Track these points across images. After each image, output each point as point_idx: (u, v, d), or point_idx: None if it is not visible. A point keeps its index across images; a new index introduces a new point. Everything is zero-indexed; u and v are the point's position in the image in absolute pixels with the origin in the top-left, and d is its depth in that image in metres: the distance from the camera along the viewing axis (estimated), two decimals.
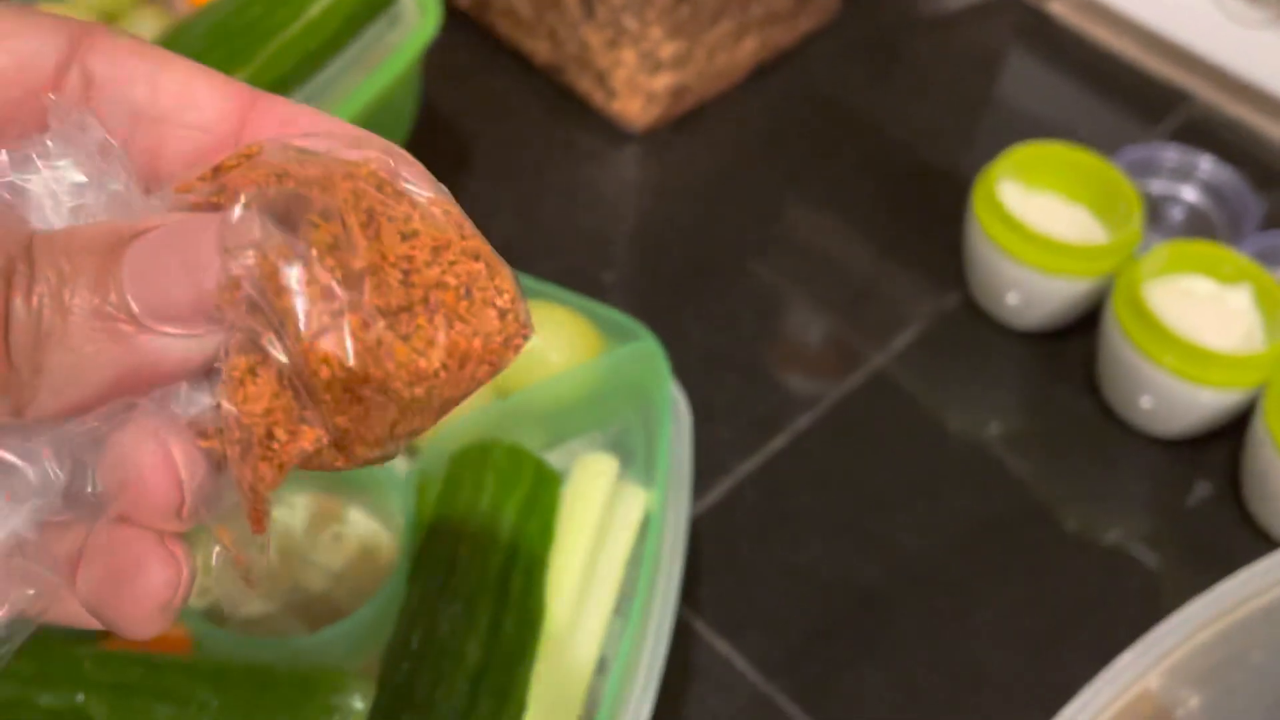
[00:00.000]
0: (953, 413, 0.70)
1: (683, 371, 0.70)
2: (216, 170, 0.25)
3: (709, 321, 0.73)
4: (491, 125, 0.83)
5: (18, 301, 0.22)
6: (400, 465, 0.54)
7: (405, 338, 0.24)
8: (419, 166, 0.27)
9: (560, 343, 0.52)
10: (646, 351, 0.52)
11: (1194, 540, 0.66)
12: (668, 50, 0.78)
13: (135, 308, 0.23)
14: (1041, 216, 0.71)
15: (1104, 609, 0.63)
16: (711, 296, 0.75)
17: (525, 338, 0.26)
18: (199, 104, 0.27)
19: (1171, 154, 0.78)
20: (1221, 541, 0.66)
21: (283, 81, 0.64)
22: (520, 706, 0.43)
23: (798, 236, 0.79)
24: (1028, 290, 0.70)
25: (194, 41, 0.63)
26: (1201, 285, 0.68)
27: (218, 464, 0.24)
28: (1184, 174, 0.78)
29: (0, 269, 0.22)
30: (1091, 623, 0.63)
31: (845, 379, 0.72)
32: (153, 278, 0.23)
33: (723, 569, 0.63)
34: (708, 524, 0.65)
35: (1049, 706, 0.59)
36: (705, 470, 0.66)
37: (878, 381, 0.72)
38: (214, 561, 0.25)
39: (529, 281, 0.54)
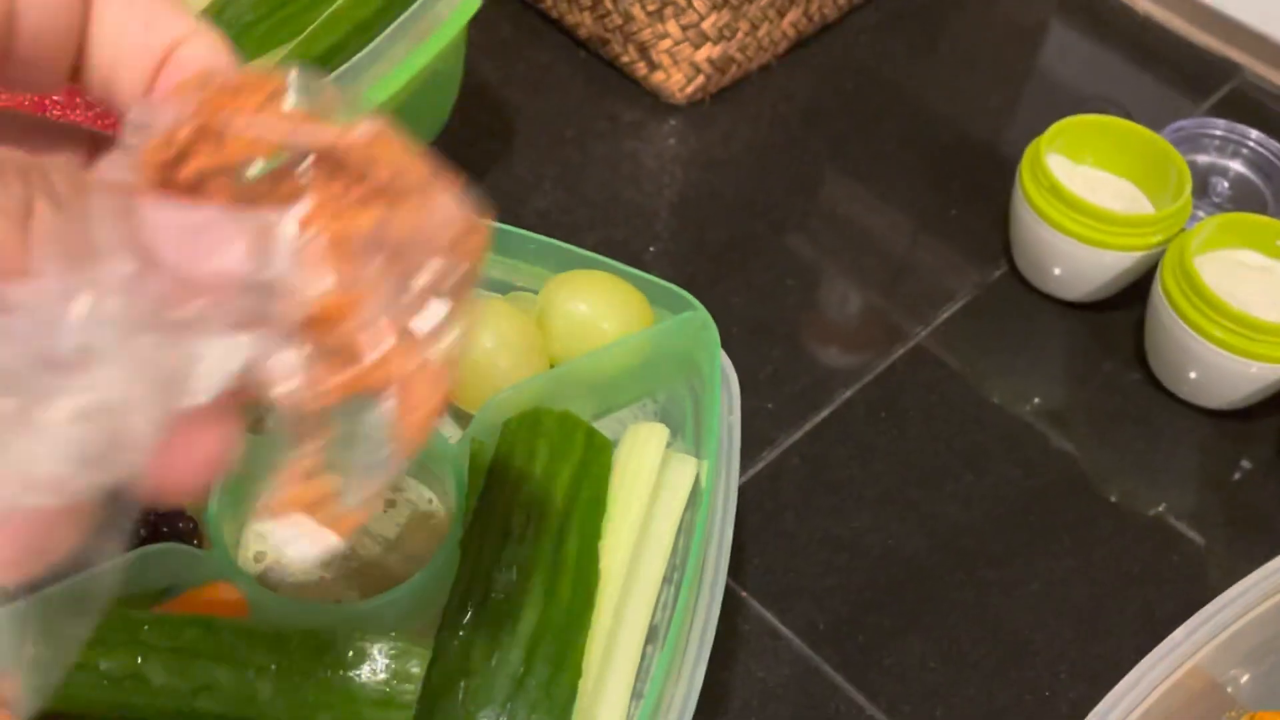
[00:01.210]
0: (997, 385, 0.70)
1: (726, 343, 0.70)
2: (175, 142, 0.25)
3: (751, 294, 0.73)
4: (535, 98, 0.83)
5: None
6: (452, 433, 0.54)
7: None
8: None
9: (611, 312, 0.52)
10: (697, 322, 0.52)
11: (1240, 514, 0.66)
12: (711, 23, 0.78)
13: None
14: (1088, 189, 0.71)
15: (1150, 582, 0.63)
16: (754, 269, 0.75)
17: None
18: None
19: (1219, 127, 0.77)
20: (1268, 515, 0.66)
21: (331, 51, 0.64)
22: (576, 673, 0.43)
23: (840, 209, 0.78)
24: (1074, 263, 0.70)
25: (242, 12, 0.63)
26: (1251, 258, 0.68)
27: None
28: (1232, 147, 0.77)
29: (19, 167, 0.23)
30: (1137, 595, 0.62)
31: (889, 351, 0.71)
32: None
33: (768, 539, 0.63)
34: (752, 495, 0.65)
35: (1094, 678, 0.59)
36: (749, 442, 0.66)
37: (921, 354, 0.71)
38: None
39: (577, 252, 0.54)
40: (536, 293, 0.55)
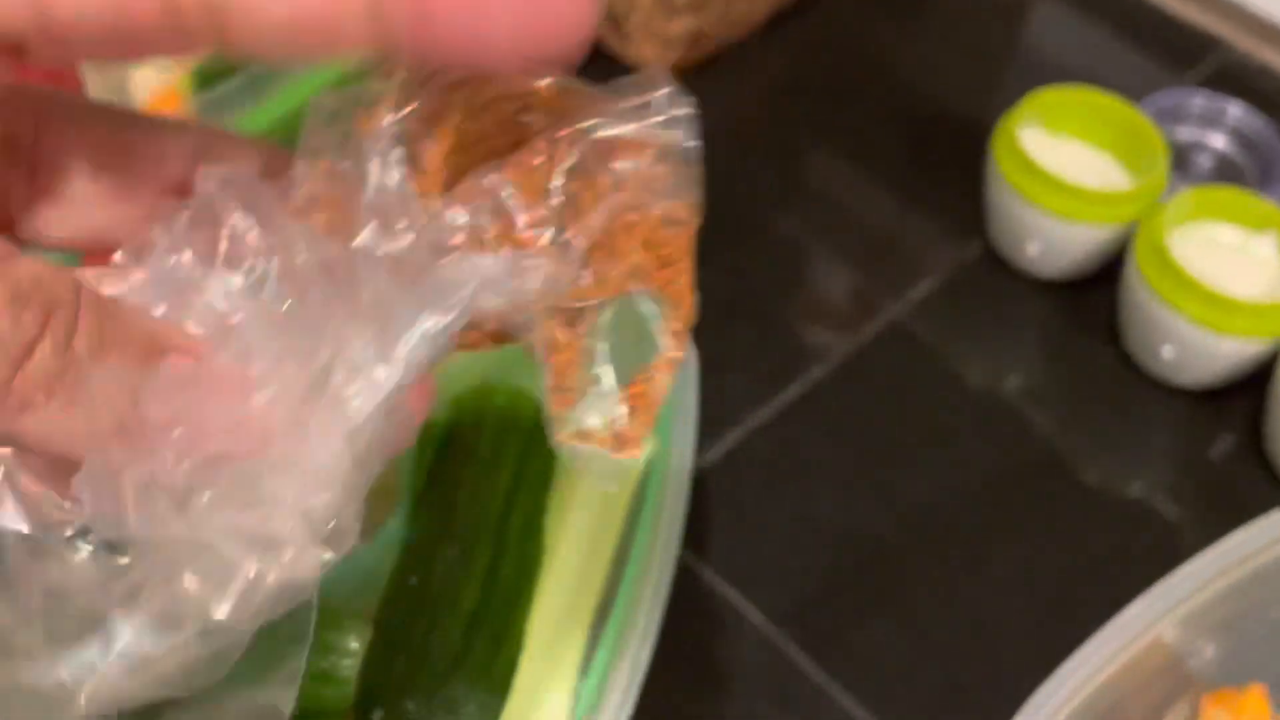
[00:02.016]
0: (971, 363, 0.69)
1: (697, 320, 0.70)
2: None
3: (724, 271, 0.72)
4: None
5: (46, 344, 0.23)
6: None
7: None
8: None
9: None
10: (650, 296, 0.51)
11: (1215, 492, 0.65)
12: None
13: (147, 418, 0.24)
14: (1064, 163, 0.70)
15: (1122, 561, 0.62)
16: (727, 246, 0.74)
17: None
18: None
19: (1199, 100, 0.76)
20: (1243, 493, 0.65)
21: None
22: (516, 649, 0.43)
23: (816, 185, 0.78)
24: (1049, 238, 0.69)
25: None
26: (1227, 233, 0.67)
27: None
28: (1212, 121, 0.76)
29: (43, 302, 0.23)
30: (1109, 575, 0.62)
31: (862, 329, 0.71)
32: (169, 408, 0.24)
33: (733, 519, 0.63)
34: (718, 474, 0.64)
35: (1061, 657, 0.58)
36: (717, 420, 0.66)
37: (895, 331, 0.71)
38: None
39: None
40: None
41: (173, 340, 0.25)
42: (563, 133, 0.26)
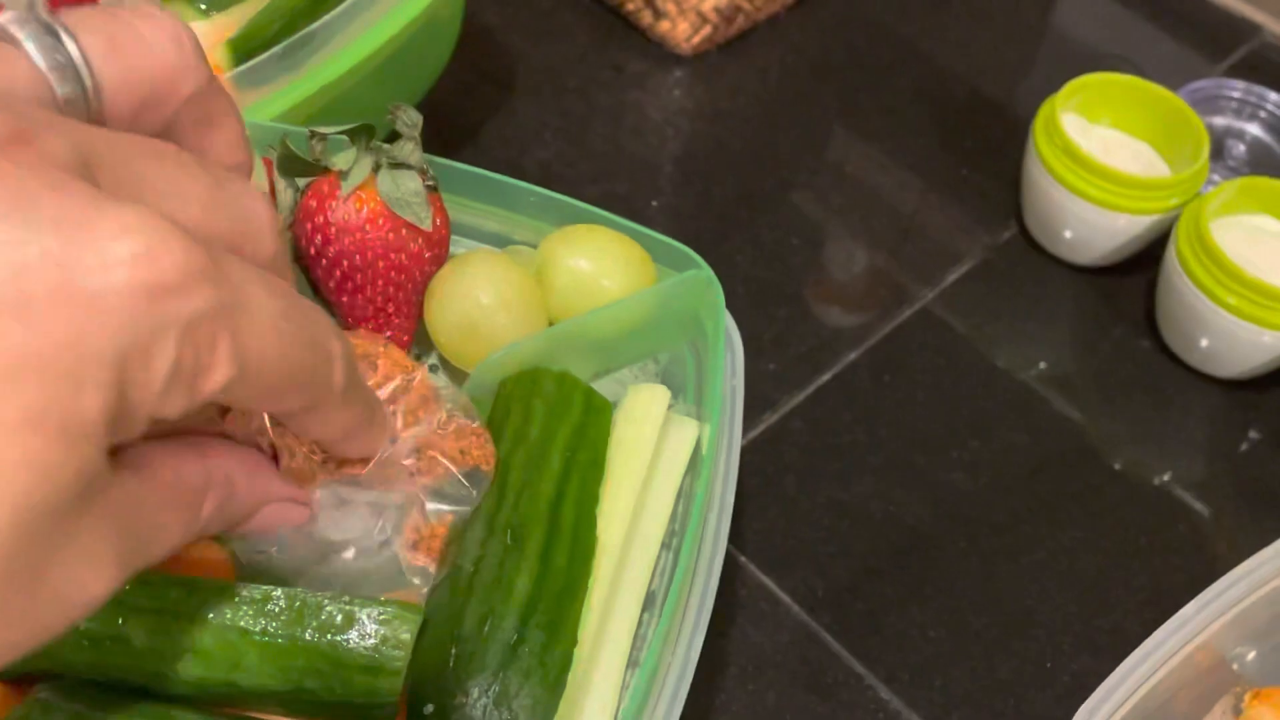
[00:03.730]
0: (1005, 350, 0.69)
1: (730, 302, 0.68)
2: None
3: (756, 252, 0.72)
4: (538, 45, 0.81)
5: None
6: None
7: None
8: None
9: (614, 269, 0.50)
10: (701, 281, 0.50)
11: (1249, 485, 0.65)
12: None
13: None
14: (1103, 150, 0.69)
15: (1155, 552, 0.62)
16: (759, 226, 0.73)
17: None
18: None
19: (1237, 88, 0.75)
20: (1277, 487, 0.65)
21: None
22: (571, 640, 0.42)
23: (848, 166, 0.77)
24: (1086, 226, 0.68)
25: None
26: (1269, 224, 0.66)
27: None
28: (1250, 109, 0.75)
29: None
30: (1142, 566, 0.61)
31: (895, 313, 0.70)
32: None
33: (769, 504, 0.62)
34: (753, 458, 0.63)
35: (1097, 650, 0.58)
36: (751, 404, 0.65)
37: (928, 317, 0.70)
38: None
39: (584, 207, 0.53)
40: (536, 247, 0.53)
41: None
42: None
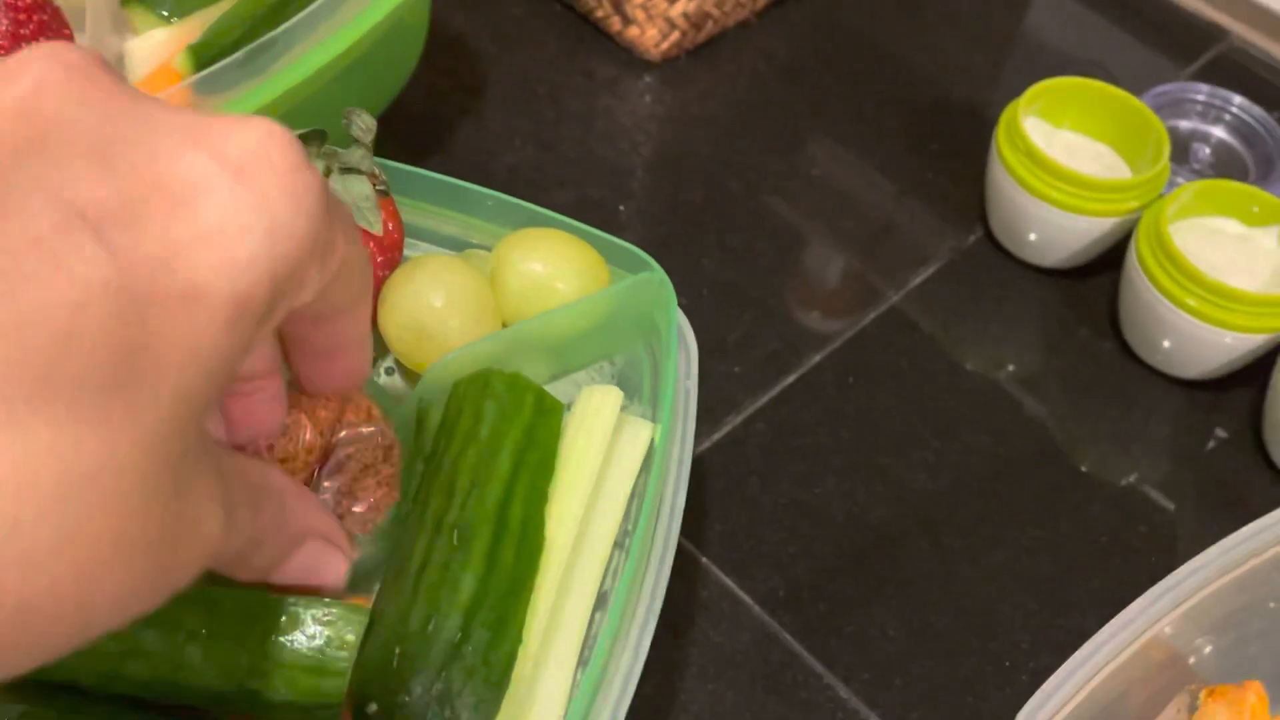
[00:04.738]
0: (970, 351, 0.69)
1: (696, 305, 0.69)
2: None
3: (725, 255, 0.72)
4: (506, 50, 0.81)
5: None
6: (400, 392, 0.53)
7: None
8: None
9: (567, 272, 0.51)
10: (654, 282, 0.51)
11: (1212, 485, 0.65)
12: None
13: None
14: (1066, 153, 0.69)
15: (1118, 552, 0.62)
16: (728, 229, 0.73)
17: None
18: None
19: (1201, 92, 0.76)
20: (1240, 487, 0.65)
21: None
22: (516, 639, 0.42)
23: (817, 170, 0.77)
24: (1050, 228, 0.68)
25: None
26: (1229, 226, 0.67)
27: None
28: (1214, 113, 0.76)
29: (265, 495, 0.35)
30: (1105, 566, 0.62)
31: (861, 315, 0.70)
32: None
33: (731, 505, 0.62)
34: (717, 460, 0.64)
35: (1057, 649, 0.59)
36: (716, 406, 0.65)
37: (894, 318, 0.70)
38: None
39: (541, 211, 0.53)
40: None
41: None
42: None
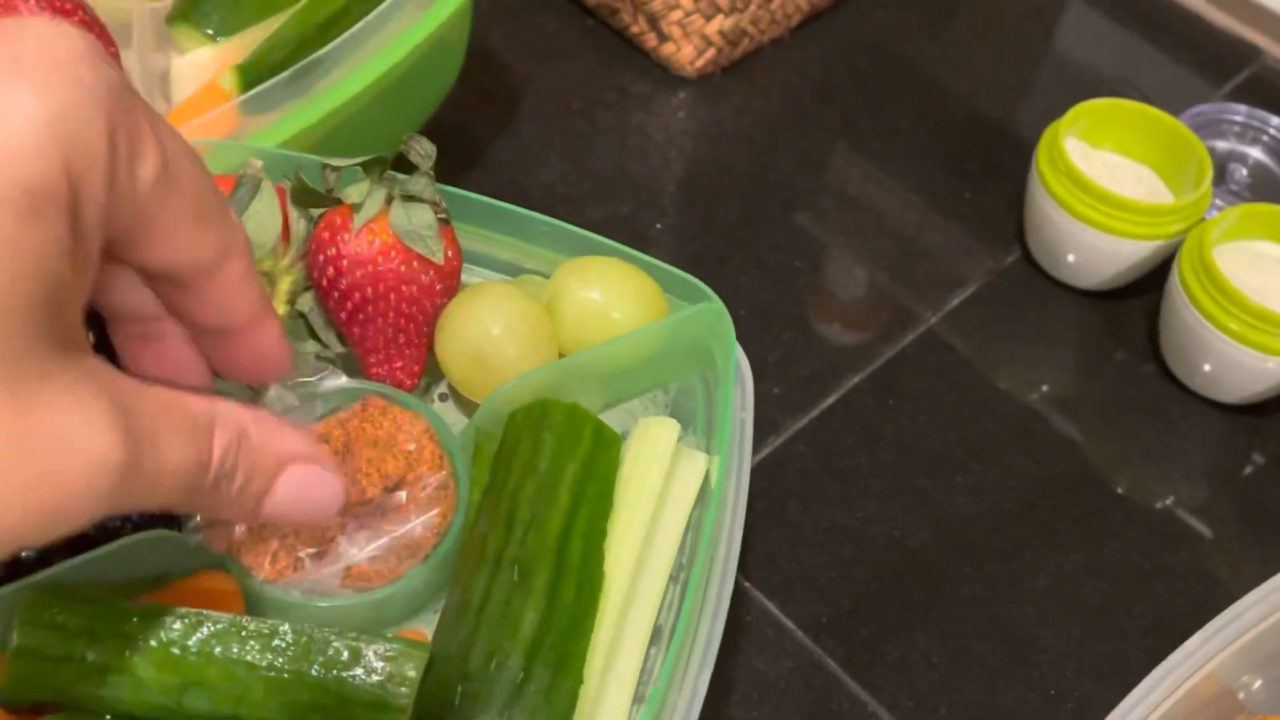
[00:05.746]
0: (1009, 374, 0.69)
1: (735, 325, 0.69)
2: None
3: (759, 274, 0.72)
4: (542, 67, 0.81)
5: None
6: (456, 423, 0.52)
7: None
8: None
9: (625, 302, 0.50)
10: (713, 313, 0.50)
11: (1251, 511, 0.65)
12: None
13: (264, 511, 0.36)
14: (1106, 175, 0.69)
15: (1157, 578, 0.62)
16: (763, 248, 0.73)
17: None
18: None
19: (1239, 112, 0.76)
20: (1278, 509, 0.65)
21: (334, 18, 0.62)
22: (577, 678, 0.42)
23: (851, 188, 0.77)
24: (1091, 251, 0.68)
25: None
26: (1271, 250, 0.67)
27: None
28: (1252, 133, 0.76)
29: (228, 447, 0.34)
30: (1145, 592, 0.62)
31: (898, 336, 0.70)
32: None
33: (771, 529, 0.62)
34: (757, 482, 0.64)
35: (1101, 677, 0.58)
36: (756, 427, 0.65)
37: (931, 340, 0.70)
38: None
39: (594, 238, 0.53)
40: (547, 276, 0.53)
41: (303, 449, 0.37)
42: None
